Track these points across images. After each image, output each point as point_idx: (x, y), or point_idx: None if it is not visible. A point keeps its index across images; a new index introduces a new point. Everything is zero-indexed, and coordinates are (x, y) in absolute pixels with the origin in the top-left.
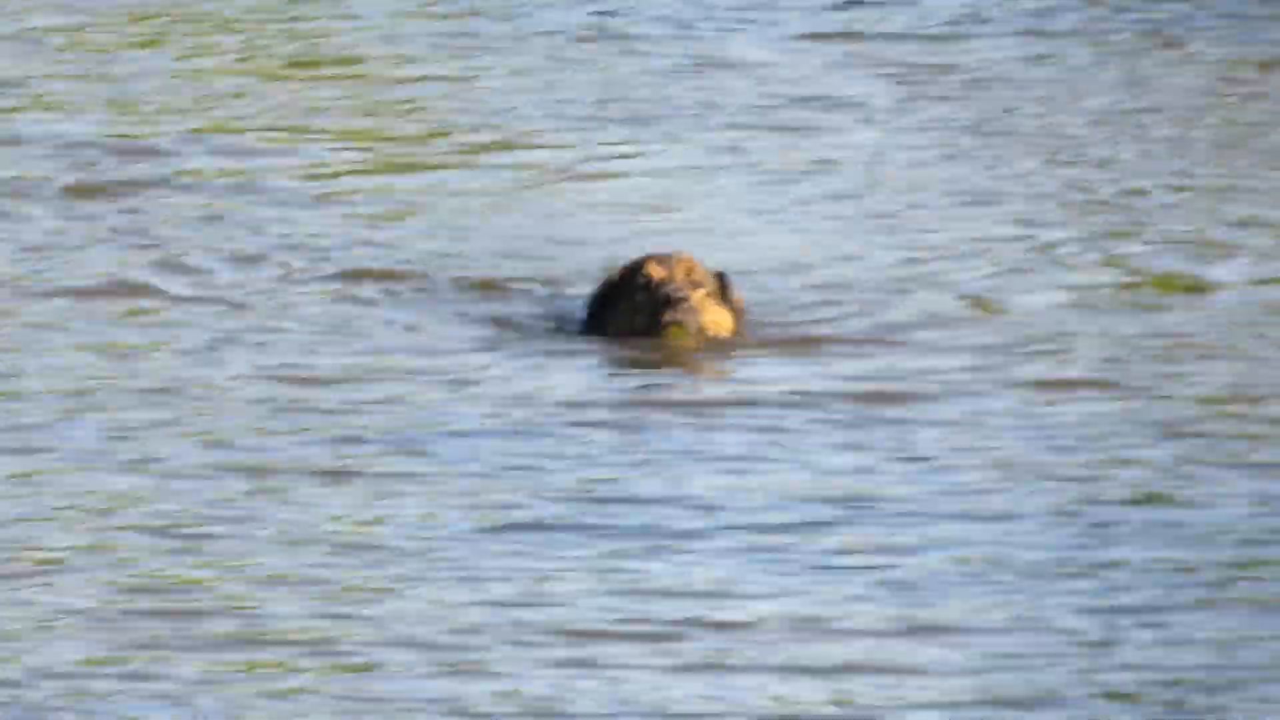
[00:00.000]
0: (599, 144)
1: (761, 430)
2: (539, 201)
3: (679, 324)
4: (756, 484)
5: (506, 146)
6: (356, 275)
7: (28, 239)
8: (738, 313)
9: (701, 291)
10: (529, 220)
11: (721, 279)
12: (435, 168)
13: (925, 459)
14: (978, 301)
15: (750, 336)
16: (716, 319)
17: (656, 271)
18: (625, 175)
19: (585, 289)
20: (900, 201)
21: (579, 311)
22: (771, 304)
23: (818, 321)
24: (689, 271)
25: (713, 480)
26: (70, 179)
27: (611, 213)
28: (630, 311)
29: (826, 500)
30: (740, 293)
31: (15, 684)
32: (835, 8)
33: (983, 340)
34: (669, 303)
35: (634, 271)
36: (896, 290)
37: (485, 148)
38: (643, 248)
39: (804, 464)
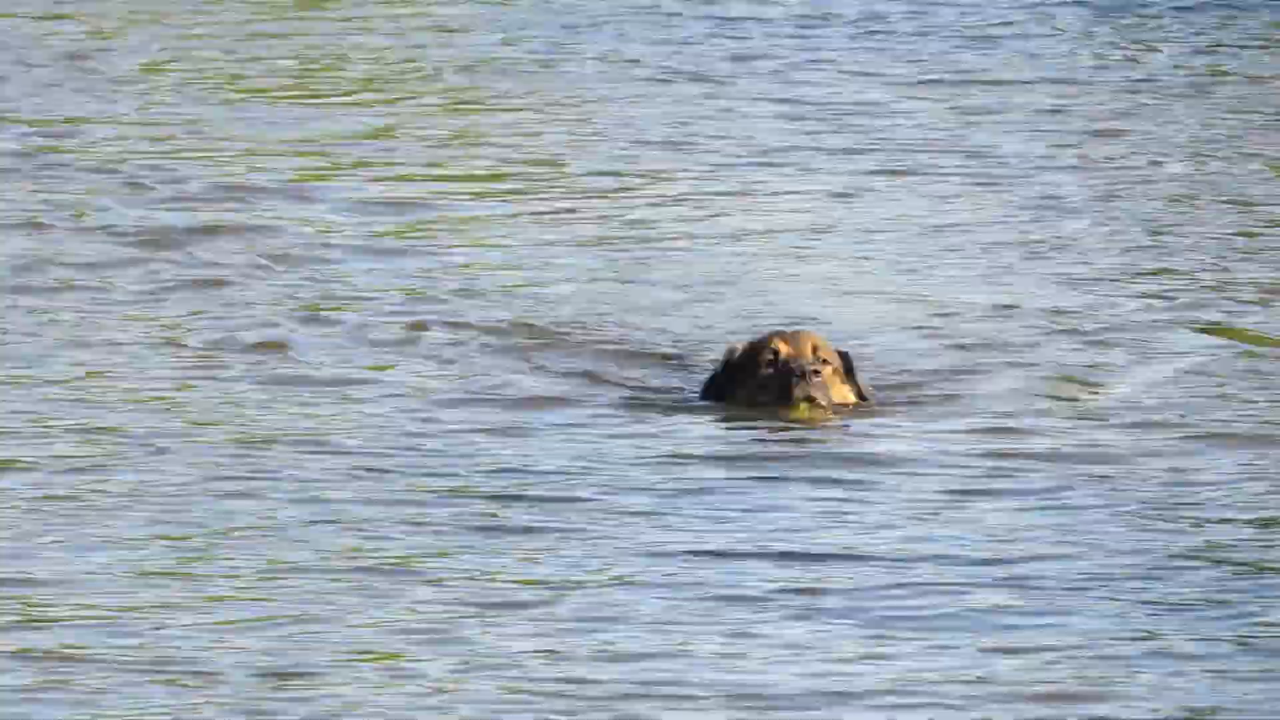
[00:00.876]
0: (721, 191)
1: (888, 491)
2: (653, 254)
3: (810, 399)
4: (885, 549)
5: (622, 197)
6: (462, 326)
7: (177, 284)
8: (862, 393)
9: (830, 368)
10: (643, 275)
11: (846, 358)
12: (548, 220)
13: (1065, 525)
14: (1109, 363)
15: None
16: (845, 397)
17: (784, 348)
18: (749, 226)
19: (693, 350)
20: (1028, 255)
21: (694, 384)
22: (901, 368)
23: (944, 387)
24: (815, 349)
25: (846, 540)
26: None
27: (734, 266)
28: (756, 389)
29: (957, 563)
30: (864, 378)
31: None
32: (951, 53)
33: (1114, 404)
34: (802, 377)
35: (759, 349)
36: (1028, 347)
37: (596, 203)
38: (766, 305)
39: (938, 526)
